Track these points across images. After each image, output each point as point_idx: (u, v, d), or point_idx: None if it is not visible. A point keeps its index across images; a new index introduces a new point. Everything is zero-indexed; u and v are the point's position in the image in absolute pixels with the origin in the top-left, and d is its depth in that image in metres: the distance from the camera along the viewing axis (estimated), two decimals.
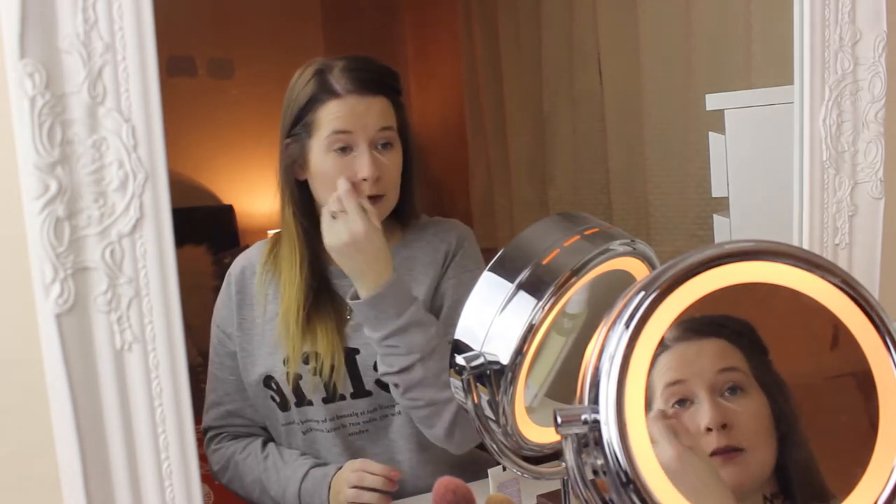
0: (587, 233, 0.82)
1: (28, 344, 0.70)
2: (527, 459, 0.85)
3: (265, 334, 1.16)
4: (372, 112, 1.10)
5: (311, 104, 1.10)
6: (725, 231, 1.30)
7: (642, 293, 0.64)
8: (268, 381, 1.15)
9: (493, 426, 0.81)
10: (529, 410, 0.83)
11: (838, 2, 0.97)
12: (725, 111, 1.27)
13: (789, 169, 1.03)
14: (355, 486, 1.08)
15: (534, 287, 0.78)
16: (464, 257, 1.18)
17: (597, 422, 0.61)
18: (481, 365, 0.79)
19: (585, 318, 0.85)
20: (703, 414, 0.66)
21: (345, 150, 1.09)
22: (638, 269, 0.84)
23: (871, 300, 0.68)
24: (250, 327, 1.18)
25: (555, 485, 0.97)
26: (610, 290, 0.74)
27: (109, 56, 0.68)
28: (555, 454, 0.87)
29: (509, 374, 0.78)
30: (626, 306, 0.64)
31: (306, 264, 1.14)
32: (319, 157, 1.10)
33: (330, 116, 1.09)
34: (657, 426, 0.63)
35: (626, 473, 0.60)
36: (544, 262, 0.79)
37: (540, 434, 0.84)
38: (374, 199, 1.09)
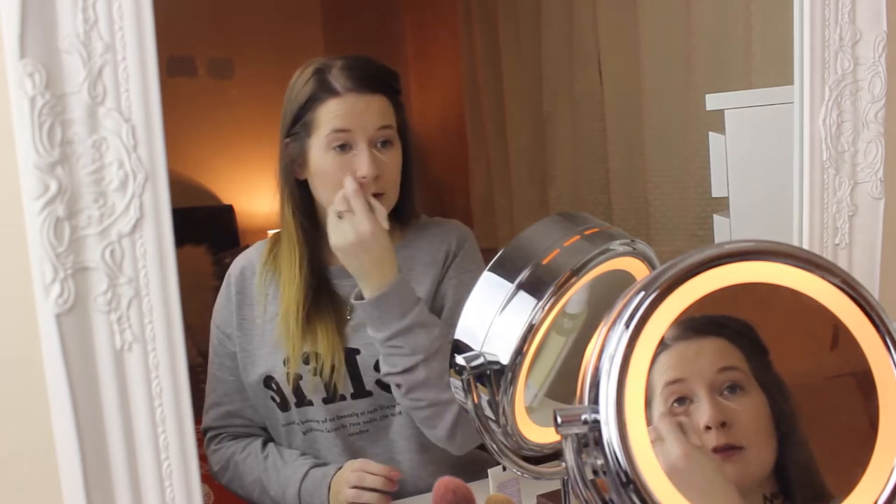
0: (587, 233, 0.82)
1: (28, 344, 0.70)
2: (527, 459, 0.85)
3: (265, 334, 1.16)
4: (371, 110, 1.10)
5: (311, 103, 1.10)
6: (725, 231, 1.30)
7: (642, 293, 0.64)
8: (268, 381, 1.15)
9: (493, 426, 0.81)
10: (529, 410, 0.83)
11: (838, 2, 0.97)
12: (725, 111, 1.27)
13: (789, 169, 1.03)
14: (355, 487, 1.08)
15: (534, 287, 0.78)
16: (464, 258, 1.18)
17: (597, 422, 0.61)
18: (481, 365, 0.79)
19: (585, 318, 0.85)
20: (702, 412, 0.66)
21: (344, 148, 1.09)
22: (638, 269, 0.84)
23: (871, 300, 0.68)
24: (250, 327, 1.17)
25: (555, 485, 0.97)
26: (610, 290, 0.74)
27: (109, 56, 0.68)
28: (555, 454, 0.87)
29: (509, 374, 0.78)
30: (626, 306, 0.64)
31: (306, 264, 1.14)
32: (319, 156, 1.10)
33: (329, 115, 1.09)
34: (664, 423, 0.63)
35: (626, 473, 0.60)
36: (544, 262, 0.79)
37: (540, 434, 0.84)
38: (373, 197, 1.09)
